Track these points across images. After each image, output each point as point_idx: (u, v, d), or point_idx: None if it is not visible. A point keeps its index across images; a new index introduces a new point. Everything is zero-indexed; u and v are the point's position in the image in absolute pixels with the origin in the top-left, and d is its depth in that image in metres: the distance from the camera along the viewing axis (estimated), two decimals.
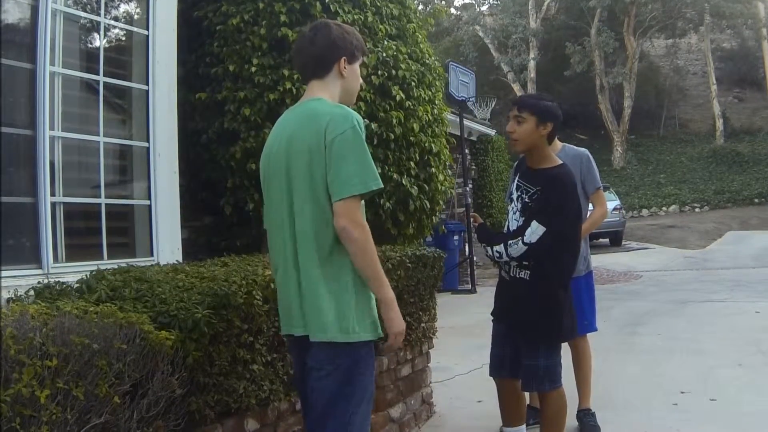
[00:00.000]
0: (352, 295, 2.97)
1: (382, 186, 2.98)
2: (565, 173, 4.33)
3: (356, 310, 2.97)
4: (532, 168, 4.43)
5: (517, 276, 4.36)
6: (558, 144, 5.36)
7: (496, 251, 4.33)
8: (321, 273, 2.96)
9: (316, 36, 3.17)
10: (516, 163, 4.87)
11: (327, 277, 2.96)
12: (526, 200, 4.31)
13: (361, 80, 3.41)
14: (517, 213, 4.38)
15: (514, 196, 4.47)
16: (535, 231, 4.15)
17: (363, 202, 3.08)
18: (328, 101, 3.11)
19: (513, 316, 4.47)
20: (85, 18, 5.17)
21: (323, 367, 2.98)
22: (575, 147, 5.61)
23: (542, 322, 4.28)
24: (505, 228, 4.56)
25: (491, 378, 4.71)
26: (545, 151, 4.40)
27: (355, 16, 6.44)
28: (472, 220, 4.82)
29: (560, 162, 4.44)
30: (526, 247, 4.17)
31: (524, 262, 4.30)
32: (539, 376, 4.31)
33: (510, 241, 4.24)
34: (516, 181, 4.50)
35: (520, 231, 4.22)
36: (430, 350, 6.05)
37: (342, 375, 2.96)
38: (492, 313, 4.67)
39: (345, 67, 3.21)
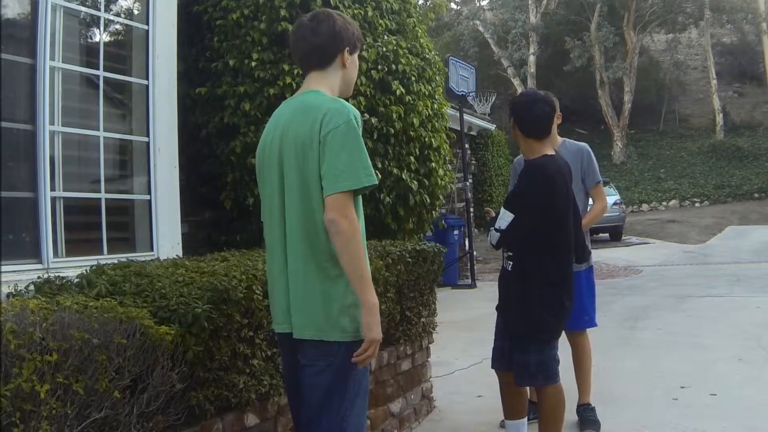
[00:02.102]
0: (345, 292, 2.91)
1: (376, 182, 2.92)
2: (538, 165, 4.40)
3: (349, 309, 2.91)
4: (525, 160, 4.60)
5: (506, 267, 4.49)
6: (558, 139, 5.37)
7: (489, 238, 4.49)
8: (313, 269, 2.92)
9: (319, 26, 3.10)
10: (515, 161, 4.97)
11: (319, 273, 2.92)
12: (510, 189, 4.44)
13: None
14: None
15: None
16: (502, 216, 4.28)
17: (360, 198, 3.06)
18: (326, 94, 3.06)
19: (503, 308, 4.55)
20: (85, 13, 5.17)
21: (315, 363, 2.95)
22: (576, 142, 5.62)
23: (524, 317, 4.33)
24: None
25: (491, 373, 4.72)
26: (524, 145, 4.51)
27: (356, 11, 6.44)
28: (486, 214, 4.89)
29: (543, 155, 4.46)
30: (498, 234, 4.29)
31: (509, 253, 4.43)
32: (530, 371, 4.33)
33: (491, 227, 4.37)
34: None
35: (495, 218, 4.37)
36: (430, 345, 6.05)
37: (335, 371, 2.92)
38: (497, 308, 4.71)
39: (347, 58, 3.17)
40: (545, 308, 4.31)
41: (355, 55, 3.25)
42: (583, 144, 5.60)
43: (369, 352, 2.86)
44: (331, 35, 3.11)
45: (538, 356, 4.31)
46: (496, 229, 4.27)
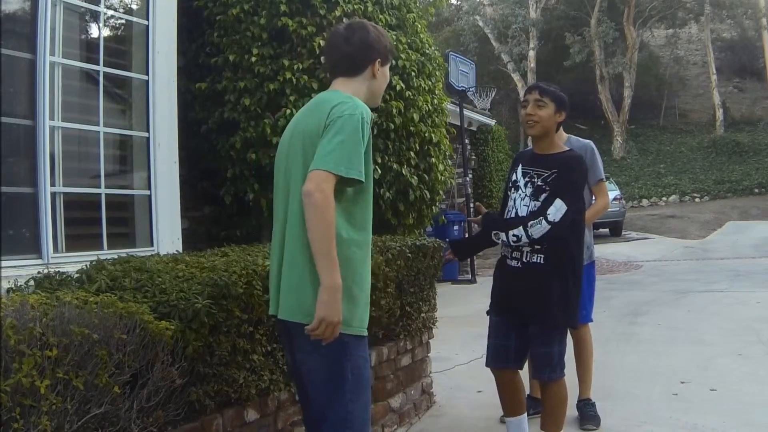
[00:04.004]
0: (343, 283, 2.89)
1: (361, 179, 2.90)
2: (580, 157, 4.49)
3: (344, 300, 2.87)
4: (542, 153, 4.50)
5: (531, 261, 4.34)
6: (564, 135, 5.38)
7: (513, 235, 4.28)
8: (308, 257, 2.90)
9: (353, 36, 3.18)
10: (516, 155, 4.92)
11: (312, 258, 2.90)
12: (539, 183, 4.33)
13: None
14: (527, 198, 4.37)
15: (521, 183, 4.45)
16: (559, 209, 4.18)
17: (371, 193, 3.08)
18: (343, 94, 3.10)
19: (527, 303, 4.39)
20: (85, 8, 5.16)
21: (309, 357, 2.96)
22: (580, 139, 5.63)
23: (558, 307, 4.28)
24: (508, 215, 4.55)
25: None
26: (555, 138, 4.53)
27: (355, 6, 6.43)
28: (475, 209, 4.82)
29: (569, 148, 4.58)
30: (550, 226, 4.18)
31: (537, 246, 4.30)
32: (553, 363, 4.33)
33: (531, 222, 4.22)
34: (521, 169, 4.52)
35: (542, 211, 4.23)
36: (430, 340, 6.05)
37: (331, 364, 2.93)
38: (491, 306, 4.66)
39: (378, 69, 3.23)
40: (575, 298, 4.36)
41: (386, 67, 3.31)
42: (588, 141, 5.61)
43: (318, 332, 2.78)
44: (363, 46, 3.18)
45: (560, 347, 4.35)
46: (549, 222, 4.22)
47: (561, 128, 4.74)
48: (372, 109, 6.16)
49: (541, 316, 4.35)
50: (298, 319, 2.94)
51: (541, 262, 4.30)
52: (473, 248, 4.79)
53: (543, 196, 4.28)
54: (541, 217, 4.20)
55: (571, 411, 5.30)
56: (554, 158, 4.41)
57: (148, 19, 5.39)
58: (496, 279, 4.66)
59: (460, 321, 9.19)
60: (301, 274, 2.94)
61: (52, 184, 4.57)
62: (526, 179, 4.43)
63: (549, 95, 4.46)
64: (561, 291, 4.28)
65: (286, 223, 3.03)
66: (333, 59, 3.25)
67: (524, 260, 4.37)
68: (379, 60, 3.22)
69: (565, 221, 4.19)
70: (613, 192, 22.24)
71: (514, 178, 4.58)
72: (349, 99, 3.02)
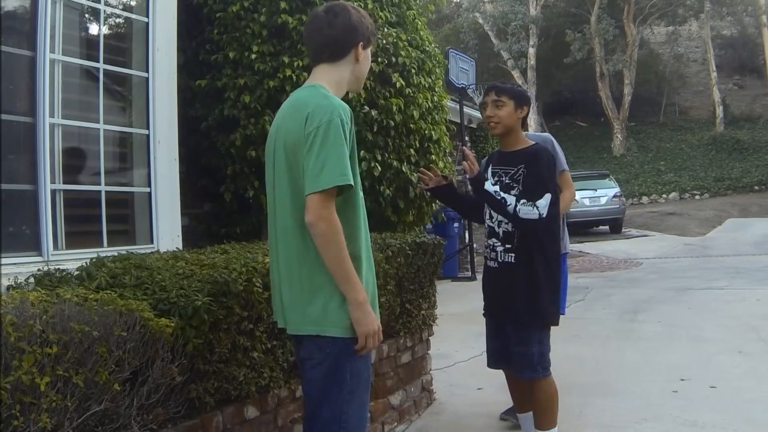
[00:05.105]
0: (336, 289, 2.88)
1: (350, 182, 2.83)
2: (546, 149, 4.49)
3: (345, 304, 2.87)
4: (508, 151, 4.55)
5: (504, 261, 4.40)
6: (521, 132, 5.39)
7: (501, 198, 4.24)
8: (305, 265, 2.91)
9: (336, 19, 3.09)
10: (487, 157, 4.93)
11: (311, 269, 2.91)
12: (507, 181, 4.36)
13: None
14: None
15: (490, 182, 4.47)
16: (548, 203, 4.18)
17: (360, 191, 3.04)
18: (322, 89, 3.02)
19: (504, 303, 4.47)
20: (85, 5, 5.15)
21: (312, 356, 2.95)
22: (539, 133, 5.64)
23: (529, 305, 4.30)
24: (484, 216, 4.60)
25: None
26: (520, 134, 4.56)
27: (355, 3, 6.42)
28: (461, 157, 4.75)
29: (534, 142, 4.58)
30: (538, 218, 4.15)
31: (507, 245, 4.36)
32: (533, 362, 4.33)
33: (523, 200, 4.19)
34: (490, 170, 4.56)
35: (534, 198, 4.18)
36: (430, 337, 6.05)
37: (332, 363, 2.92)
38: (484, 308, 4.70)
39: (361, 53, 3.15)
40: (552, 294, 4.37)
41: (368, 50, 3.23)
42: (546, 134, 5.60)
43: (368, 345, 2.87)
44: (346, 29, 3.09)
45: (539, 346, 4.34)
46: (540, 214, 4.13)
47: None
48: (371, 106, 6.21)
49: (512, 315, 4.40)
50: (304, 331, 2.95)
51: (513, 261, 4.37)
52: (451, 198, 4.83)
53: (513, 192, 4.29)
54: (533, 203, 4.18)
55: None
56: (521, 154, 4.46)
57: (148, 16, 5.39)
58: (484, 279, 4.75)
59: (460, 318, 9.19)
60: (300, 287, 2.93)
61: (52, 182, 4.57)
62: (495, 178, 4.48)
63: (506, 93, 4.48)
64: (531, 288, 4.31)
65: (277, 232, 3.01)
66: (315, 44, 3.14)
67: (499, 260, 4.46)
68: (362, 43, 3.15)
69: (550, 216, 4.20)
70: (613, 189, 22.36)
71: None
72: (323, 99, 2.93)
